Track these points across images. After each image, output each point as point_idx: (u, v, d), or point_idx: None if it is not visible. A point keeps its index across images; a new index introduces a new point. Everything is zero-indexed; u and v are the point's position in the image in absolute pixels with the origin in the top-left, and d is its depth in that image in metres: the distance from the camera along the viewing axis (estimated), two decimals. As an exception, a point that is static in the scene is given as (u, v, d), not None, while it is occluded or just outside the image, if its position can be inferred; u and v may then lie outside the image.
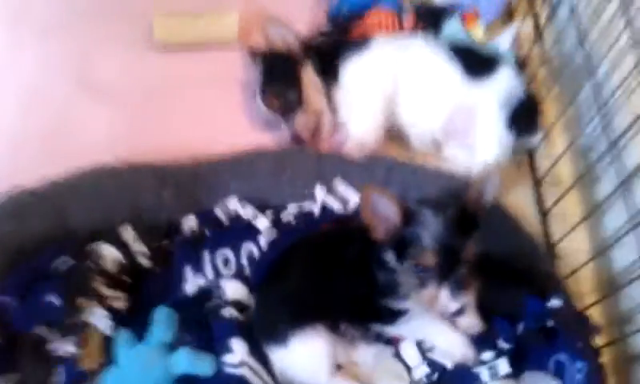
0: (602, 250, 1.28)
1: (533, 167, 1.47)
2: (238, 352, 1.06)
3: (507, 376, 1.06)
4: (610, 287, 1.25)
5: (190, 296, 1.18)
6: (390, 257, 1.02)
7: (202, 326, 1.12)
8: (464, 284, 0.95)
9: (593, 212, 1.31)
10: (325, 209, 1.28)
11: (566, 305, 1.09)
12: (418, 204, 1.00)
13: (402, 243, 0.98)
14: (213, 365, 1.06)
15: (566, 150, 1.35)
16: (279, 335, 1.05)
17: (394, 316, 1.07)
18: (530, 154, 1.48)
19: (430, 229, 0.95)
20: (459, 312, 0.98)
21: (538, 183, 1.44)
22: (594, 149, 1.37)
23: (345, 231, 1.18)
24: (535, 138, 1.44)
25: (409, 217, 0.98)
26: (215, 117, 1.48)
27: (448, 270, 0.95)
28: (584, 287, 1.27)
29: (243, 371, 1.04)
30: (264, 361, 1.08)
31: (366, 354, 1.14)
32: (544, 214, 1.39)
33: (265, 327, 1.09)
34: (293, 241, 1.20)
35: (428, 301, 0.97)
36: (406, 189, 1.28)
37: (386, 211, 0.98)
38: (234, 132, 1.43)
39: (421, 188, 1.27)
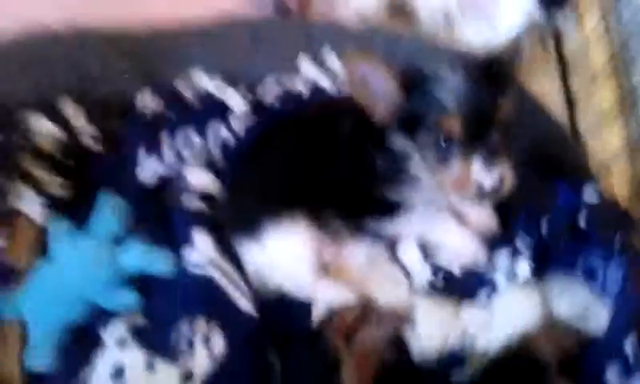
0: (638, 146, 1.10)
1: (560, 51, 1.26)
2: (203, 248, 0.88)
3: (527, 281, 0.89)
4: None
5: (144, 184, 0.99)
6: (395, 137, 0.83)
7: (159, 218, 0.95)
8: (498, 152, 0.76)
9: (628, 102, 1.12)
10: (313, 88, 1.08)
11: (601, 198, 0.91)
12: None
13: (413, 117, 0.79)
14: (171, 262, 0.89)
15: (597, 28, 1.15)
16: (253, 227, 0.88)
17: (392, 209, 0.90)
18: (557, 36, 1.28)
19: (450, 86, 0.76)
20: (495, 190, 0.78)
21: (565, 69, 1.24)
22: (630, 30, 1.17)
23: (335, 108, 0.97)
24: (564, 14, 1.23)
25: (414, 85, 0.79)
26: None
27: (479, 136, 0.76)
28: (617, 187, 1.09)
29: (209, 271, 0.86)
30: (235, 260, 0.91)
31: (357, 256, 0.97)
32: (571, 104, 1.20)
33: (236, 218, 0.91)
34: (273, 122, 1.00)
35: (456, 181, 0.79)
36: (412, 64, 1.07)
37: (380, 85, 0.78)
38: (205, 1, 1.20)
39: (430, 65, 1.07)
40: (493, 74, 0.77)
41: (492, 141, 0.76)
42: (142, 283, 0.89)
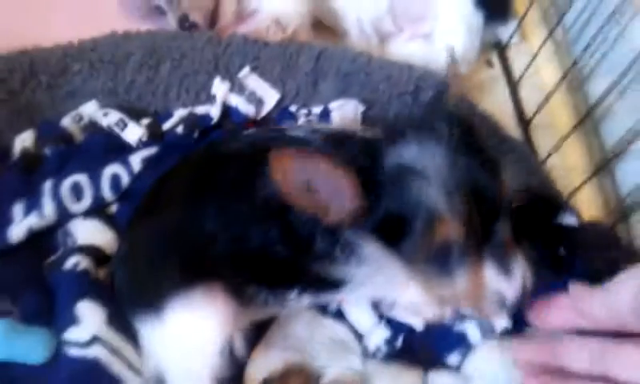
0: (602, 166, 0.99)
1: (507, 66, 1.16)
2: (88, 322, 0.69)
3: (508, 334, 0.74)
4: (618, 211, 0.97)
5: (15, 244, 0.78)
6: (357, 237, 0.62)
7: (33, 287, 0.74)
8: (506, 244, 0.57)
9: (586, 118, 1.02)
10: (228, 111, 0.91)
11: (582, 222, 0.79)
12: (390, 131, 0.61)
13: (389, 221, 0.58)
14: (49, 345, 0.68)
15: (546, 41, 1.06)
16: (153, 300, 0.67)
17: (333, 285, 0.70)
18: (502, 51, 1.17)
19: (433, 174, 0.55)
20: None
21: (514, 87, 1.13)
22: (581, 39, 1.08)
23: (255, 144, 0.73)
24: (507, 28, 1.14)
25: (383, 182, 0.58)
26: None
27: (487, 233, 0.56)
28: (586, 213, 0.97)
29: (96, 351, 0.66)
30: (134, 339, 0.71)
31: (294, 321, 0.79)
32: (526, 123, 1.08)
33: (132, 288, 0.71)
34: (180, 157, 0.81)
35: (468, 295, 0.59)
36: (346, 84, 0.93)
37: (331, 188, 0.56)
38: (97, 20, 1.02)
39: (366, 83, 0.93)
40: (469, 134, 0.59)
41: (499, 232, 0.57)
42: (9, 377, 0.68)
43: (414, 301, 0.75)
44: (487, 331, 0.74)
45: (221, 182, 0.70)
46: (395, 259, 0.60)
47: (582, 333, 0.56)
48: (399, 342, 0.77)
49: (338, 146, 0.61)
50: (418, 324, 0.77)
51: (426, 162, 0.55)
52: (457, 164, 0.55)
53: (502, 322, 0.74)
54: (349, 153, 0.58)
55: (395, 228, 0.57)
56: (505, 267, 0.56)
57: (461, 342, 0.74)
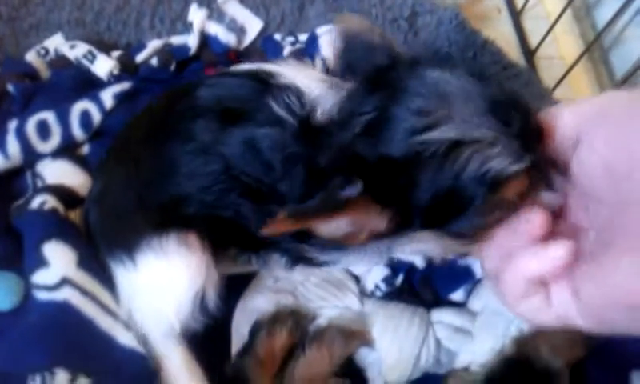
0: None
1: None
2: (57, 264, 0.65)
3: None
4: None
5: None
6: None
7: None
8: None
9: (593, 46, 0.98)
10: (207, 41, 0.87)
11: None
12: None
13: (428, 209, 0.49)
14: (16, 290, 0.65)
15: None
16: (126, 244, 0.63)
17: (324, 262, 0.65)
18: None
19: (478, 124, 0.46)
20: None
21: (517, 17, 1.09)
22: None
23: (222, 101, 0.63)
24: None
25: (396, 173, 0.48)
26: None
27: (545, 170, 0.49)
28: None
29: (66, 294, 0.62)
30: (105, 275, 0.67)
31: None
32: (530, 53, 1.04)
33: (105, 229, 0.67)
34: (156, 93, 0.77)
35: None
36: (336, 9, 0.90)
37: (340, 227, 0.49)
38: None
39: (357, 7, 0.90)
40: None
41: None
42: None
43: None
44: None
45: (190, 137, 0.62)
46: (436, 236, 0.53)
47: None
48: (399, 280, 0.74)
49: (321, 139, 0.52)
50: (419, 261, 0.74)
51: (464, 125, 0.46)
52: (496, 103, 0.47)
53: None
54: (341, 149, 0.49)
55: (439, 213, 0.49)
56: (549, 180, 0.51)
57: (466, 278, 0.71)
